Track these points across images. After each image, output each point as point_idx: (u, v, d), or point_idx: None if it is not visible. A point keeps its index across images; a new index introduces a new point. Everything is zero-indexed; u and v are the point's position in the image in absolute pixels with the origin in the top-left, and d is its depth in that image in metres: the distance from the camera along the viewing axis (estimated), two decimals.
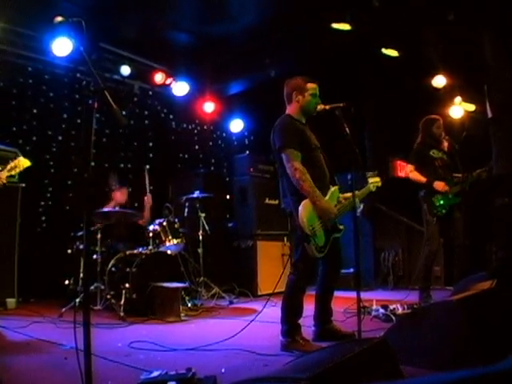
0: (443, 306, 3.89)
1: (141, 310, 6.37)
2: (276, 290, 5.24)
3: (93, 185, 3.01)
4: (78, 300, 6.18)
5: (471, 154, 7.31)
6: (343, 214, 4.72)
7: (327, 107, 4.65)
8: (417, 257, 8.02)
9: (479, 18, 7.77)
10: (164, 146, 10.48)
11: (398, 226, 9.99)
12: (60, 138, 8.73)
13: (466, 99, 9.42)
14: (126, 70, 9.27)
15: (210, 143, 11.65)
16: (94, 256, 7.01)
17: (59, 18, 3.31)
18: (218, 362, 4.03)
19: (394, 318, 5.57)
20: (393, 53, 8.65)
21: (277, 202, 9.36)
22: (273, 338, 4.68)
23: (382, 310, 5.89)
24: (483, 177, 6.65)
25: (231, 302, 7.81)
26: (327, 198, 4.55)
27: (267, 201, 9.46)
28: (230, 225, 10.00)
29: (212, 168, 11.38)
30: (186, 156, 10.98)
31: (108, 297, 6.65)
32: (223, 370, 3.71)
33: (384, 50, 8.59)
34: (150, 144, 10.25)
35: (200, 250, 8.29)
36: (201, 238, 8.34)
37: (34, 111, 8.47)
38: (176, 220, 7.55)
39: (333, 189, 4.69)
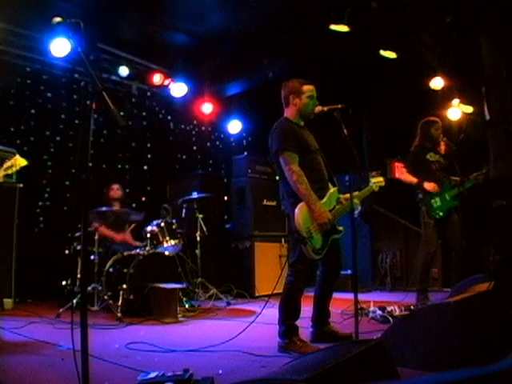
0: (441, 307, 3.89)
1: (138, 310, 6.37)
2: (274, 292, 5.24)
3: (91, 186, 3.00)
4: (75, 301, 6.18)
5: (469, 156, 7.32)
6: (343, 215, 4.71)
7: (325, 109, 4.65)
8: (414, 258, 8.03)
9: (477, 20, 7.79)
10: (162, 146, 10.48)
11: (396, 228, 10.00)
12: (58, 138, 8.73)
13: (463, 101, 9.42)
14: (124, 70, 9.28)
15: (208, 144, 11.65)
16: (92, 257, 7.00)
17: (57, 19, 3.30)
18: (216, 363, 4.03)
19: (391, 319, 5.57)
20: (391, 54, 8.65)
21: (275, 203, 9.38)
22: (270, 340, 4.68)
23: (379, 312, 5.90)
24: (480, 180, 6.65)
25: (228, 303, 7.81)
26: (325, 200, 4.55)
27: (265, 202, 9.46)
28: (227, 226, 10.01)
29: (210, 169, 11.38)
30: (184, 157, 10.98)
31: (105, 297, 6.64)
32: (221, 372, 3.71)
33: (382, 52, 8.60)
34: (148, 145, 10.25)
35: (198, 251, 8.29)
36: (198, 238, 8.34)
37: (32, 111, 8.47)
38: (174, 221, 7.54)
39: (332, 190, 4.69)
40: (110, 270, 6.95)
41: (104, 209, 7.11)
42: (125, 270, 6.73)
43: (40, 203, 8.41)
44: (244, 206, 9.42)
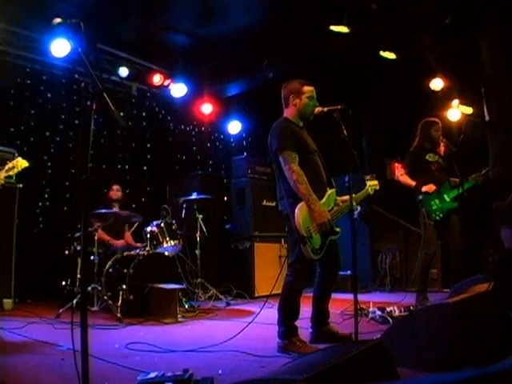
0: (440, 308, 3.89)
1: (138, 311, 6.38)
2: (273, 292, 5.25)
3: (91, 186, 3.01)
4: (75, 301, 6.19)
5: (468, 157, 7.32)
6: (341, 216, 4.72)
7: (325, 109, 4.66)
8: (414, 259, 8.04)
9: (477, 20, 7.80)
10: (162, 147, 10.49)
11: (396, 229, 10.00)
12: (58, 138, 8.74)
13: (463, 102, 9.43)
14: (124, 71, 9.30)
15: (208, 145, 11.66)
16: (92, 257, 7.00)
17: (58, 20, 3.30)
18: (215, 363, 4.04)
19: (390, 320, 5.58)
20: (391, 55, 8.66)
21: (274, 203, 9.35)
22: (270, 340, 4.69)
23: (378, 312, 5.90)
24: (479, 181, 6.65)
25: (228, 304, 7.82)
26: (323, 200, 4.56)
27: (265, 202, 9.47)
28: (227, 226, 10.02)
29: (210, 169, 11.39)
30: (184, 157, 10.99)
31: (105, 298, 6.64)
32: (220, 372, 3.71)
33: (382, 53, 8.60)
34: (148, 145, 10.26)
35: (197, 252, 8.30)
36: (198, 239, 8.35)
37: (32, 112, 8.48)
38: (173, 221, 7.56)
39: (330, 192, 4.69)
40: (110, 270, 6.96)
41: (103, 211, 7.10)
42: (124, 271, 6.73)
43: (40, 203, 8.42)
44: (244, 206, 9.43)
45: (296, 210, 4.37)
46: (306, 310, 4.82)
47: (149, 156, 10.23)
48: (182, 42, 8.95)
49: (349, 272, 8.43)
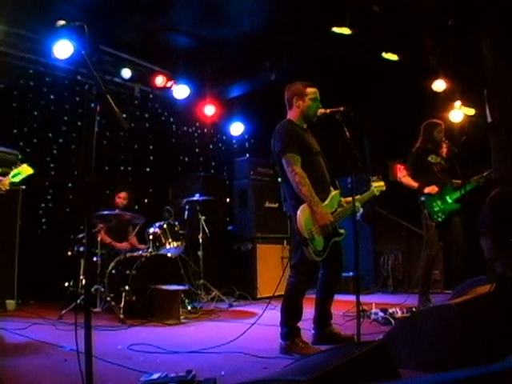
0: (442, 309, 3.90)
1: (140, 312, 6.38)
2: (276, 293, 5.25)
3: (94, 187, 3.02)
4: (78, 302, 6.20)
5: (471, 158, 7.32)
6: (344, 217, 4.72)
7: (327, 111, 4.67)
8: (416, 260, 8.04)
9: (478, 21, 7.80)
10: (164, 148, 10.51)
11: (398, 230, 10.00)
12: (61, 140, 8.76)
13: (465, 103, 9.43)
14: (126, 72, 9.31)
15: (211, 146, 11.67)
16: (94, 258, 7.01)
17: (61, 22, 3.31)
18: (218, 364, 4.05)
19: (393, 321, 5.58)
20: (393, 57, 8.66)
21: (277, 205, 9.40)
22: (272, 341, 4.69)
23: (381, 314, 5.90)
24: (481, 183, 6.64)
25: (231, 305, 7.83)
26: (327, 202, 4.57)
27: (267, 204, 9.48)
28: (229, 228, 10.03)
29: (212, 171, 11.39)
30: (187, 159, 11.00)
31: (108, 299, 6.65)
32: (223, 373, 3.72)
33: (384, 54, 8.60)
34: (151, 147, 10.28)
35: (200, 253, 8.31)
36: (201, 240, 8.36)
37: (35, 113, 8.50)
38: (176, 223, 7.57)
39: (333, 193, 4.70)
40: (113, 271, 6.97)
41: (106, 212, 7.11)
42: (127, 272, 6.75)
43: (43, 205, 8.44)
44: (246, 207, 9.43)
45: (298, 212, 4.38)
46: (308, 311, 4.83)
47: (151, 157, 10.24)
48: (185, 44, 8.96)
49: (351, 273, 8.42)
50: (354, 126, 4.56)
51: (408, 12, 7.66)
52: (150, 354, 4.42)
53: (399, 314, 5.79)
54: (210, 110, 10.65)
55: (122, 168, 9.66)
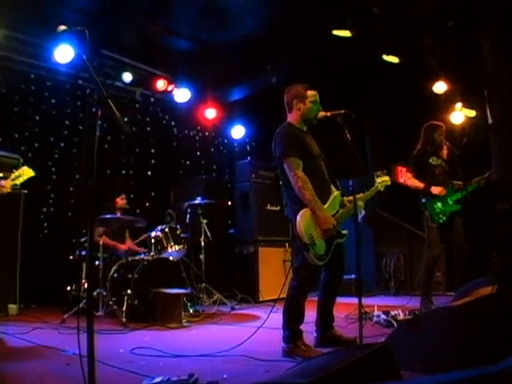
0: (444, 311, 3.90)
1: (143, 315, 6.38)
2: (280, 296, 5.24)
3: (96, 191, 3.03)
4: (80, 306, 6.21)
5: (472, 160, 7.32)
6: (347, 218, 4.70)
7: (328, 114, 4.67)
8: (418, 262, 8.03)
9: (479, 24, 7.80)
10: (166, 152, 10.51)
11: (400, 232, 9.99)
12: (62, 144, 8.78)
13: (466, 105, 9.43)
14: (127, 76, 9.33)
15: (212, 149, 11.67)
16: (96, 262, 7.00)
17: (62, 27, 3.32)
18: (221, 367, 4.04)
19: (395, 323, 5.57)
20: (393, 59, 8.67)
21: (278, 208, 9.41)
22: (275, 344, 4.69)
23: (383, 316, 5.89)
24: (482, 184, 6.64)
25: (233, 308, 7.82)
26: (328, 204, 4.56)
27: (269, 207, 9.48)
28: (231, 231, 10.02)
29: (214, 174, 11.39)
30: (188, 162, 11.00)
31: (110, 303, 6.65)
32: (225, 376, 3.72)
33: (385, 57, 8.61)
34: (152, 150, 10.28)
35: (202, 256, 8.31)
36: (202, 244, 8.36)
37: (37, 118, 8.52)
38: (178, 226, 7.57)
39: (335, 194, 4.69)
40: (115, 275, 6.97)
41: (108, 216, 7.11)
42: (129, 276, 6.75)
43: (44, 209, 8.44)
44: (248, 210, 9.43)
45: (298, 218, 4.39)
46: (310, 314, 4.82)
47: (153, 161, 10.25)
48: (186, 47, 8.98)
49: (353, 276, 8.42)
50: (354, 129, 4.56)
51: (408, 13, 7.67)
52: (153, 358, 4.42)
53: (401, 317, 5.78)
54: (211, 113, 10.66)
55: (123, 172, 9.66)
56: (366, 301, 5.81)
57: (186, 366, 4.10)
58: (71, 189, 8.76)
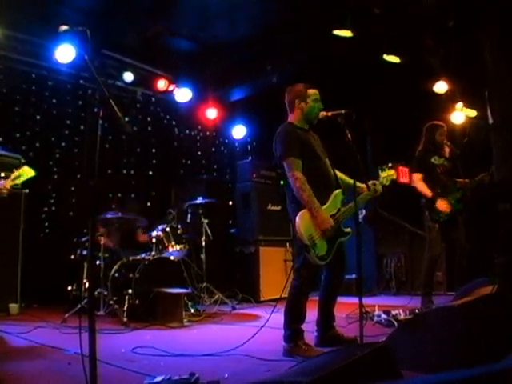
0: (445, 311, 3.91)
1: (143, 315, 6.38)
2: (282, 296, 5.24)
3: (98, 191, 3.04)
4: (81, 305, 6.22)
5: (473, 160, 7.32)
6: (350, 215, 4.67)
7: (329, 114, 4.68)
8: (419, 262, 8.02)
9: (479, 23, 7.80)
10: (167, 152, 10.51)
11: (401, 232, 9.99)
12: (63, 144, 8.78)
13: (467, 105, 9.43)
14: (128, 76, 9.32)
15: (213, 149, 11.67)
16: (97, 262, 7.01)
17: (64, 27, 3.33)
18: (222, 367, 4.05)
19: (395, 323, 5.58)
20: (394, 59, 8.67)
21: (279, 207, 9.40)
22: (276, 344, 4.69)
23: (384, 316, 5.90)
24: (486, 181, 6.64)
25: (234, 308, 7.82)
26: (328, 203, 4.55)
27: (270, 207, 9.48)
28: (232, 231, 10.02)
29: (215, 174, 11.38)
30: (189, 162, 11.00)
31: (111, 302, 6.65)
32: (226, 375, 3.73)
33: (385, 57, 8.61)
34: (153, 150, 10.28)
35: (203, 256, 8.32)
36: (203, 243, 8.37)
37: (38, 117, 8.51)
38: (179, 226, 7.57)
39: (335, 192, 4.67)
40: (116, 274, 6.97)
41: (109, 215, 7.11)
42: (130, 275, 6.76)
43: (45, 209, 8.44)
44: (249, 210, 9.44)
45: (297, 219, 4.39)
46: (311, 313, 4.83)
47: (154, 161, 10.24)
48: (186, 47, 8.98)
49: (354, 276, 8.42)
50: (355, 129, 4.56)
51: (408, 13, 7.67)
52: (154, 357, 4.43)
53: (402, 316, 5.80)
54: (212, 113, 10.66)
55: (124, 171, 9.66)
56: (366, 300, 5.81)
57: (187, 365, 4.10)
58: (72, 188, 8.75)
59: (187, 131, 11.12)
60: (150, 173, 10.16)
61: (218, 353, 4.54)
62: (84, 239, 7.40)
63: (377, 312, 6.11)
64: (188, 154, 11.01)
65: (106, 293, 6.82)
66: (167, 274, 6.92)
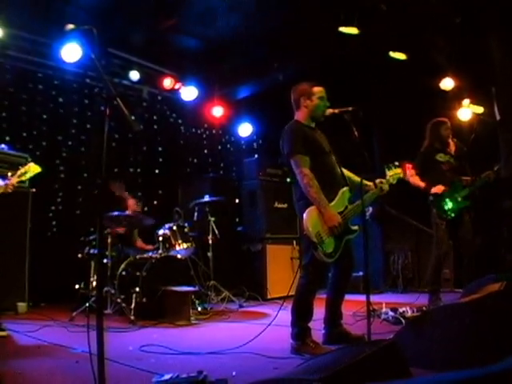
0: (453, 308, 3.90)
1: (151, 313, 6.40)
2: (290, 293, 5.24)
3: (105, 190, 3.05)
4: (89, 303, 6.25)
5: (480, 156, 7.30)
6: (357, 213, 4.66)
7: (336, 111, 4.67)
8: (426, 260, 8.00)
9: (487, 20, 7.77)
10: (173, 150, 10.52)
11: (407, 229, 9.97)
12: (70, 143, 8.80)
13: (474, 101, 9.40)
14: (134, 75, 9.33)
15: (219, 147, 11.68)
16: (105, 260, 7.03)
17: (71, 26, 3.34)
18: (229, 365, 4.06)
19: (403, 320, 5.57)
20: (400, 56, 8.65)
21: (286, 205, 9.39)
22: (283, 341, 4.69)
23: (391, 313, 5.89)
24: (491, 179, 6.61)
25: (241, 306, 7.83)
26: (336, 201, 4.54)
27: (276, 204, 9.47)
28: (239, 229, 10.02)
29: (221, 172, 11.39)
30: (195, 160, 11.01)
31: (118, 301, 6.66)
32: (234, 373, 3.73)
33: (392, 53, 8.59)
34: (159, 149, 10.29)
35: (210, 254, 8.32)
36: (210, 241, 8.37)
37: (44, 117, 8.53)
38: (186, 224, 7.57)
39: (343, 190, 4.66)
40: (123, 273, 6.99)
41: (116, 213, 7.12)
42: (137, 273, 6.77)
43: (53, 207, 8.47)
44: (255, 208, 9.44)
45: (304, 216, 4.39)
46: (318, 311, 4.82)
47: (160, 159, 10.26)
48: (193, 46, 8.98)
49: (361, 273, 8.43)
50: (362, 126, 4.55)
51: (415, 9, 7.64)
52: (162, 355, 4.44)
53: (409, 314, 5.78)
54: (218, 111, 10.66)
55: (131, 170, 9.68)
56: (373, 298, 5.80)
57: (195, 363, 4.11)
58: (79, 187, 8.78)
59: (193, 129, 11.13)
60: (157, 171, 10.17)
61: (226, 351, 4.55)
62: (91, 238, 7.42)
63: (384, 309, 6.10)
64: (194, 152, 11.02)
65: (113, 291, 6.83)
66: (174, 273, 6.94)
